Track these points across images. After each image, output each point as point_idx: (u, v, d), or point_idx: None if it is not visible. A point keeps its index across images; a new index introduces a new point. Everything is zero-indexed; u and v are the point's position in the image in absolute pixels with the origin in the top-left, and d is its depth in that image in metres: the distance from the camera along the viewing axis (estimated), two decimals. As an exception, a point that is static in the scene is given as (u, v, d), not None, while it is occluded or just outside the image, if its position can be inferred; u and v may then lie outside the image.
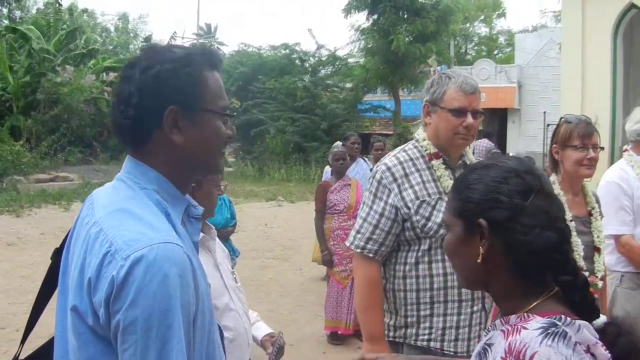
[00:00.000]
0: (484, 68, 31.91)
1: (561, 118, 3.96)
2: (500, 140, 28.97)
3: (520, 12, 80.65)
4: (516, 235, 1.73)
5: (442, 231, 3.29)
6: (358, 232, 3.47)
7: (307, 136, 31.84)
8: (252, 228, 16.67)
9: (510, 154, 6.46)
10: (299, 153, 31.92)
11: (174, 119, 1.85)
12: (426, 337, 3.38)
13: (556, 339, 1.59)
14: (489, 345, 1.74)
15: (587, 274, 3.57)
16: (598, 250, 3.88)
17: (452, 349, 3.36)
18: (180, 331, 1.66)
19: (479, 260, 1.79)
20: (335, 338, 8.02)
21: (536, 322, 1.65)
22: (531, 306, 1.74)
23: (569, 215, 3.56)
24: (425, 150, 3.49)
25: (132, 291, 1.62)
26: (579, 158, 3.78)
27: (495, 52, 52.84)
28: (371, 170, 7.56)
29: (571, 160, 3.80)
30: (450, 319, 3.35)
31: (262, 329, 3.53)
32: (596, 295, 3.61)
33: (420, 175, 3.43)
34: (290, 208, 21.40)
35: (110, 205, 1.83)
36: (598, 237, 3.89)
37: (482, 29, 56.56)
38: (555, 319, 1.65)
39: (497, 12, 54.90)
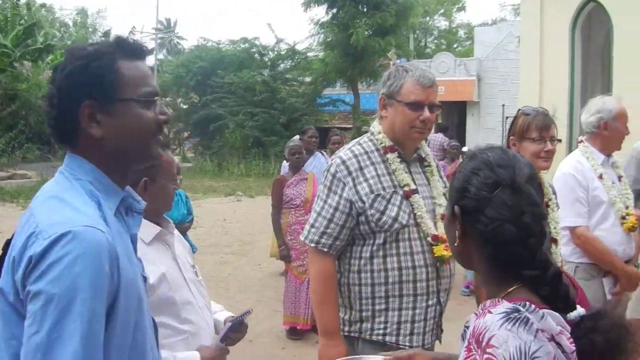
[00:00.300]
0: (443, 61, 32.04)
1: (519, 110, 3.96)
2: (459, 133, 29.13)
3: (479, 5, 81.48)
4: (480, 225, 1.81)
5: (396, 225, 3.30)
6: (312, 226, 3.43)
7: (266, 130, 31.78)
8: (211, 223, 16.64)
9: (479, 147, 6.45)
10: (258, 147, 31.94)
11: (90, 114, 1.91)
12: (381, 331, 3.36)
13: (517, 324, 1.64)
14: (467, 327, 1.79)
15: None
16: (555, 241, 3.90)
17: (407, 343, 3.33)
18: (83, 310, 1.69)
19: (456, 243, 1.93)
20: (294, 333, 8.00)
21: (502, 307, 1.70)
22: (506, 292, 1.79)
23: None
24: (381, 144, 3.46)
25: (44, 266, 1.69)
26: (536, 150, 3.78)
27: (455, 46, 52.98)
28: (329, 164, 7.54)
29: (528, 152, 3.78)
30: (406, 313, 3.33)
31: (224, 315, 3.46)
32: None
33: (375, 169, 3.39)
34: (249, 203, 21.38)
35: (46, 194, 1.92)
36: (555, 228, 3.91)
37: (442, 23, 56.68)
38: (519, 305, 1.69)
39: (457, 6, 54.99)
